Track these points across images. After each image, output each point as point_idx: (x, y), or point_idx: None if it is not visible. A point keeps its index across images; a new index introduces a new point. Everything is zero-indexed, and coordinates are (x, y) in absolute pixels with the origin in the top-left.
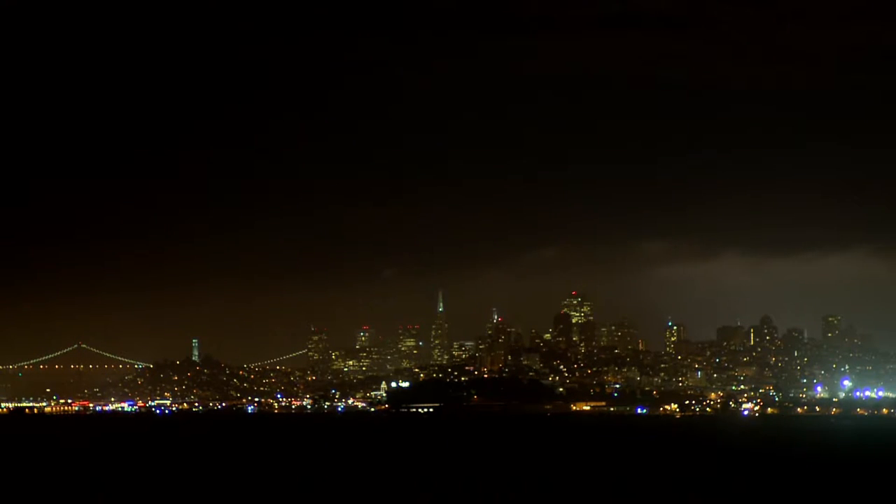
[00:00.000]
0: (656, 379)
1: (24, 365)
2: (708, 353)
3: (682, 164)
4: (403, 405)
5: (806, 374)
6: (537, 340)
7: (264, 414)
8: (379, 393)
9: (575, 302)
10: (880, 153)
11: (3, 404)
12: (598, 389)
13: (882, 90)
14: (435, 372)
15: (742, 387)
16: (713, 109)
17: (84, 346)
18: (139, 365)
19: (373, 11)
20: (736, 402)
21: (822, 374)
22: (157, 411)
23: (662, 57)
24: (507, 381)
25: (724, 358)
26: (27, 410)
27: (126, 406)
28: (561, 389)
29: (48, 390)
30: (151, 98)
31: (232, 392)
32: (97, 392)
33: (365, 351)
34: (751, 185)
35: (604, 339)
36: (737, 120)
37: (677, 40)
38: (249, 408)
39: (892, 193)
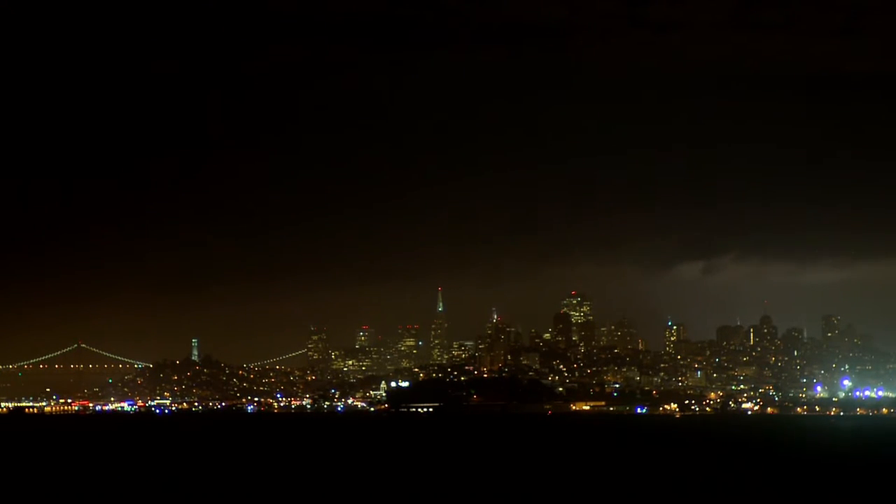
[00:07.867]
0: (656, 379)
1: (24, 365)
2: (708, 352)
3: (681, 165)
4: (403, 405)
5: (806, 373)
6: (537, 340)
7: (264, 414)
8: (379, 393)
9: (575, 302)
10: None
11: (3, 404)
12: (597, 389)
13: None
14: (435, 372)
15: (742, 386)
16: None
17: (84, 346)
18: (139, 365)
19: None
20: (736, 401)
21: (822, 374)
22: (157, 411)
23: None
24: (507, 381)
25: (724, 358)
26: (27, 410)
27: (126, 406)
28: (561, 389)
29: (48, 390)
30: (152, 100)
31: (232, 392)
32: (97, 392)
33: (365, 351)
34: (752, 187)
35: (603, 338)
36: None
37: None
38: (249, 407)
39: (892, 195)
